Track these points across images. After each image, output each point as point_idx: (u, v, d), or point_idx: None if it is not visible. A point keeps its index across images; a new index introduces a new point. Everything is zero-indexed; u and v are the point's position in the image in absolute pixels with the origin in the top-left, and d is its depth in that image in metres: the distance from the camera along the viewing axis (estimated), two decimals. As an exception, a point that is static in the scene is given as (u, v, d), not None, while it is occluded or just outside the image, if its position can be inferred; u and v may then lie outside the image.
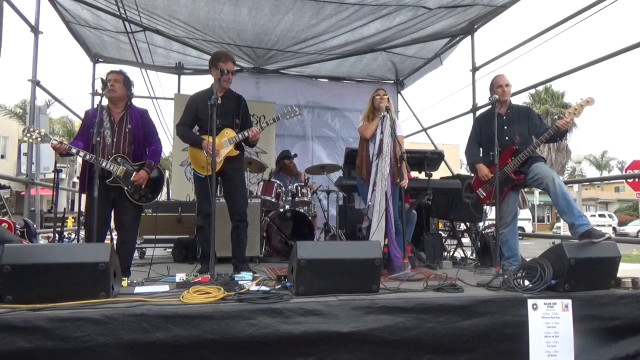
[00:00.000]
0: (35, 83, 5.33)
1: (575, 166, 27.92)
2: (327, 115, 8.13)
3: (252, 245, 4.68)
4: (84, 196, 3.56)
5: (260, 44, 6.71)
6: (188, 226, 5.28)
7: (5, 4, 4.37)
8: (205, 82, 8.91)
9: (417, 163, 4.88)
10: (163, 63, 7.55)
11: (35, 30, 5.31)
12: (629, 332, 2.89)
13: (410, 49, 7.08)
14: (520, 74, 8.57)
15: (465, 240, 5.83)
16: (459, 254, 5.64)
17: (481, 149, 4.09)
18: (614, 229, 25.44)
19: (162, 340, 2.24)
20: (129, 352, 2.22)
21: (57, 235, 4.91)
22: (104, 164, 3.37)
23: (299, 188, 5.65)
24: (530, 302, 2.72)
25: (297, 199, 5.59)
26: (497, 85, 3.92)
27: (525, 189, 4.30)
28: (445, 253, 5.47)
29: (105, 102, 3.50)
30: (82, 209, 4.00)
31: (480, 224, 5.53)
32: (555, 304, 2.74)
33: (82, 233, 4.59)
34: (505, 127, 3.89)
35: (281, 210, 5.45)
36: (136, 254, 4.71)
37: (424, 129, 7.98)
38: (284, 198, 5.56)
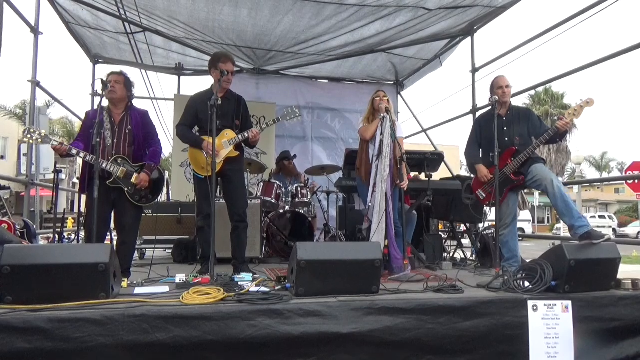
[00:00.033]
0: (35, 84, 5.34)
1: (575, 167, 27.93)
2: (327, 116, 8.14)
3: (252, 246, 4.68)
4: (83, 197, 3.56)
5: (260, 44, 6.72)
6: (188, 227, 5.28)
7: (5, 5, 4.37)
8: (205, 83, 8.94)
9: (417, 164, 4.88)
10: (163, 64, 7.55)
11: (35, 30, 5.32)
12: (629, 334, 2.89)
13: (410, 50, 7.09)
14: (520, 75, 8.58)
15: (465, 241, 5.82)
16: (459, 255, 5.65)
17: (481, 150, 4.09)
18: (614, 230, 25.37)
19: (162, 341, 2.24)
20: (128, 353, 2.21)
21: (56, 236, 4.91)
22: (104, 165, 3.37)
23: (299, 189, 5.65)
24: (530, 303, 2.72)
25: (297, 200, 5.59)
26: (498, 87, 3.92)
27: (525, 191, 4.30)
28: (445, 254, 5.47)
29: (105, 103, 3.50)
30: (82, 209, 4.00)
31: (480, 225, 5.53)
32: (556, 305, 2.74)
33: (82, 234, 4.59)
34: (505, 128, 3.90)
35: (281, 211, 5.45)
36: (136, 254, 4.71)
37: (424, 130, 7.98)
38: (283, 199, 5.56)
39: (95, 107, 3.45)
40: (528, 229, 25.08)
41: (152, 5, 5.64)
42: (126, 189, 3.48)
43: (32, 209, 5.61)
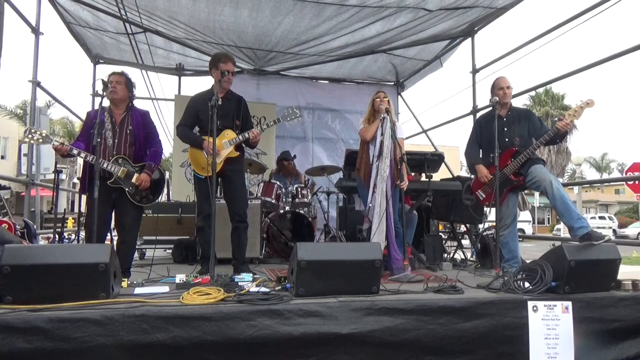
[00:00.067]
0: (36, 84, 5.34)
1: (575, 168, 27.88)
2: (327, 116, 8.14)
3: (252, 247, 4.68)
4: (84, 197, 3.56)
5: (261, 45, 6.72)
6: (188, 227, 5.28)
7: (6, 5, 4.38)
8: (205, 83, 8.93)
9: (417, 165, 4.88)
10: (163, 64, 7.56)
11: (35, 31, 5.32)
12: (629, 334, 2.89)
13: (410, 51, 7.10)
14: (520, 76, 8.58)
15: (465, 242, 5.83)
16: (459, 255, 5.64)
17: (481, 150, 4.09)
18: (614, 231, 25.37)
19: (162, 341, 2.24)
20: (128, 353, 2.22)
21: (57, 236, 4.91)
22: (105, 165, 3.37)
23: (299, 189, 5.65)
24: (530, 304, 2.72)
25: (297, 200, 5.59)
26: (498, 88, 3.92)
27: (526, 191, 4.30)
28: (445, 255, 5.47)
29: (106, 103, 3.50)
30: (83, 209, 4.00)
31: (480, 226, 5.53)
32: (556, 305, 2.75)
33: (82, 234, 4.59)
34: (506, 129, 3.90)
35: (281, 211, 5.46)
36: (136, 254, 4.71)
37: (424, 131, 7.98)
38: (284, 199, 5.56)
39: (96, 107, 3.45)
40: (528, 229, 25.08)
41: (153, 5, 5.65)
42: (127, 189, 3.48)
43: (33, 209, 5.61)
